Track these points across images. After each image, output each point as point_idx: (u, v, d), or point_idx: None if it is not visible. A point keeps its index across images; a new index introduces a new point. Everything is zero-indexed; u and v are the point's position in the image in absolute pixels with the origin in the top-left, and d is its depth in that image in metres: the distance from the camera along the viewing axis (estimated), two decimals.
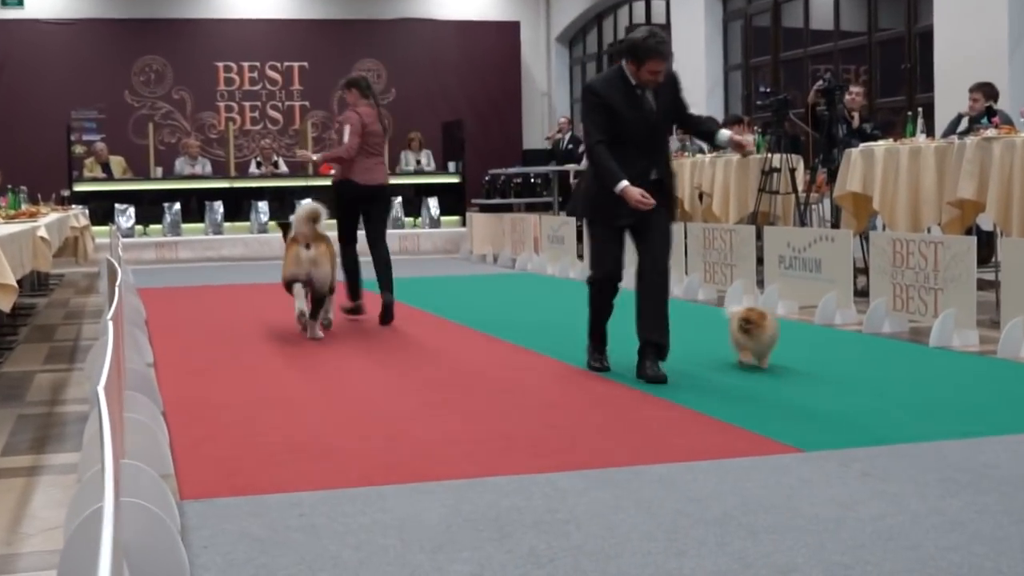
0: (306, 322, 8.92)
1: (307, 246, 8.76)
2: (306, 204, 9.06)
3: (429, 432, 5.48)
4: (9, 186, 13.16)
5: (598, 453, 4.99)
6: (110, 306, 4.76)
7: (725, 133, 7.15)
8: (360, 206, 9.89)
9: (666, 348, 6.86)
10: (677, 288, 11.46)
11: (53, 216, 10.67)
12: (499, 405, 6.15)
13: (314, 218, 8.74)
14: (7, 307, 6.01)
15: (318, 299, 8.89)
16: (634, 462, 4.81)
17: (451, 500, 4.29)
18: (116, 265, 6.47)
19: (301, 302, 8.87)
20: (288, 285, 8.90)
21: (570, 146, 18.91)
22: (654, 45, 6.65)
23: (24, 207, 12.76)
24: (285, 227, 9.62)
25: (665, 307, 6.89)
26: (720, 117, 16.84)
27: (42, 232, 7.76)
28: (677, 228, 11.66)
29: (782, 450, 4.99)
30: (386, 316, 9.70)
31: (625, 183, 6.61)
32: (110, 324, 3.66)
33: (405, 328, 9.64)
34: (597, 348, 7.33)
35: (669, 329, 6.87)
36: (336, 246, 9.41)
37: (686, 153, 14.79)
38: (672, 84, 6.98)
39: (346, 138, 9.69)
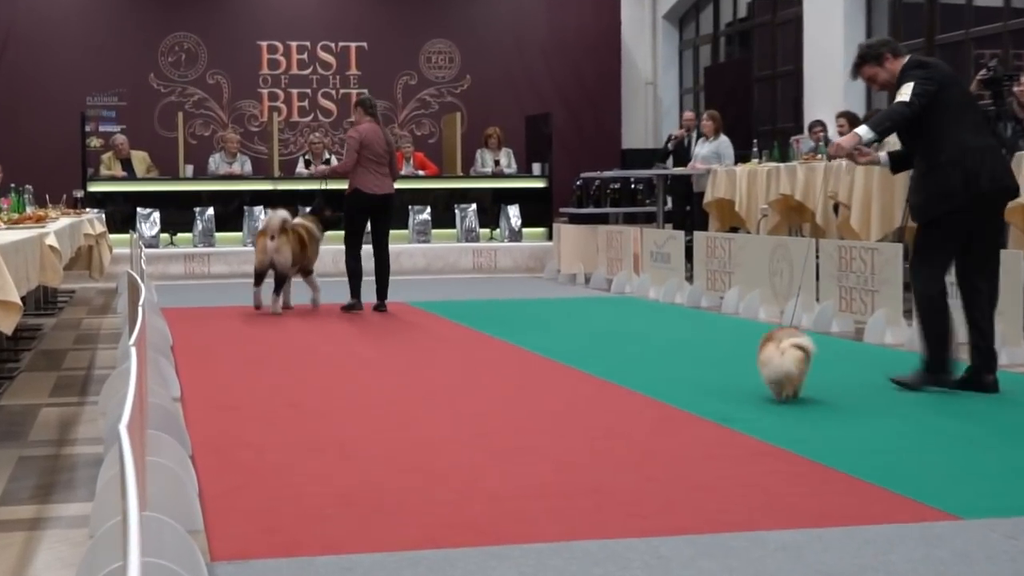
0: (261, 304, 13.03)
1: (272, 238, 13.03)
2: (275, 215, 13.30)
3: (506, 485, 5.48)
4: (12, 185, 13.35)
5: (707, 515, 4.97)
6: (132, 329, 4.83)
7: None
8: (367, 214, 13.34)
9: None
10: (807, 318, 11.42)
11: (64, 221, 10.83)
12: (589, 454, 6.14)
13: (282, 226, 13.06)
14: (8, 329, 6.11)
15: (278, 279, 13.06)
16: (751, 527, 4.78)
17: (531, 568, 4.29)
18: (138, 280, 6.55)
19: (258, 299, 13.07)
20: (257, 274, 13.28)
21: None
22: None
23: (30, 210, 12.96)
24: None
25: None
26: (860, 111, 16.74)
27: (51, 240, 7.88)
28: (805, 246, 11.64)
29: (933, 516, 4.94)
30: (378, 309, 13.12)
31: None
32: (132, 351, 3.71)
33: (479, 360, 9.68)
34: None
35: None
36: (307, 233, 13.33)
37: (819, 156, 14.71)
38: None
39: (345, 155, 13.56)
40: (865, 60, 8.18)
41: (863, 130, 7.95)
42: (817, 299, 11.55)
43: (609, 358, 9.62)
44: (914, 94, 7.71)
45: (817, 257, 11.65)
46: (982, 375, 7.88)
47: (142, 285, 6.47)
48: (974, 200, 7.75)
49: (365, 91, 14.45)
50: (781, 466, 5.85)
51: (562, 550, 4.48)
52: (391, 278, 13.52)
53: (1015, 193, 8.11)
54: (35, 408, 7.71)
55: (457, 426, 6.98)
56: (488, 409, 7.52)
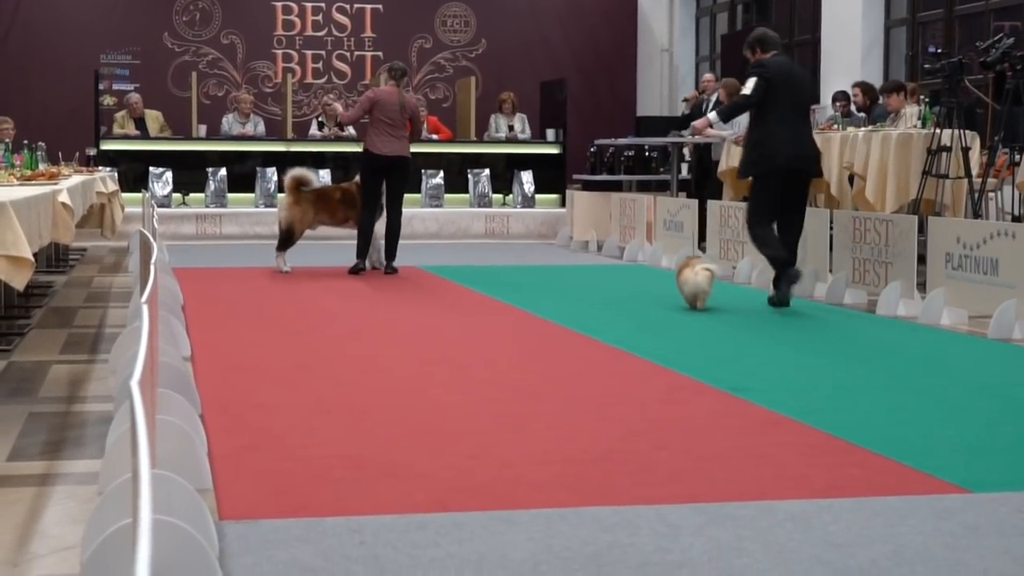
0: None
1: (286, 197, 13.61)
2: (293, 172, 13.63)
3: (516, 450, 5.49)
4: (25, 142, 13.37)
5: (717, 483, 4.98)
6: (143, 287, 4.83)
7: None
8: (379, 175, 13.38)
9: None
10: (819, 289, 11.41)
11: (76, 179, 10.84)
12: (599, 421, 6.15)
13: (299, 183, 13.47)
14: (20, 285, 6.12)
15: (281, 236, 13.51)
16: (761, 496, 4.78)
17: (540, 533, 4.29)
18: (150, 239, 6.56)
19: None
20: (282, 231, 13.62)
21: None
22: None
23: (42, 167, 12.98)
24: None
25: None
26: (877, 82, 16.67)
27: (63, 197, 7.88)
28: (821, 217, 11.63)
29: (944, 489, 4.94)
30: (387, 271, 13.39)
31: None
32: (144, 308, 3.72)
33: (490, 325, 9.70)
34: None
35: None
36: (340, 195, 13.70)
37: (835, 126, 14.68)
38: None
39: (353, 107, 14.13)
40: (747, 46, 10.98)
41: (713, 116, 10.92)
42: (830, 270, 11.54)
43: (620, 325, 9.63)
44: (753, 89, 10.41)
45: (831, 228, 11.64)
46: (787, 270, 10.36)
47: (154, 244, 6.47)
48: (775, 171, 10.40)
49: (399, 62, 14.27)
50: (791, 437, 5.85)
51: (570, 516, 4.49)
52: (401, 242, 13.60)
53: (811, 171, 10.73)
54: (45, 365, 7.73)
55: (467, 390, 6.99)
56: (498, 374, 7.53)
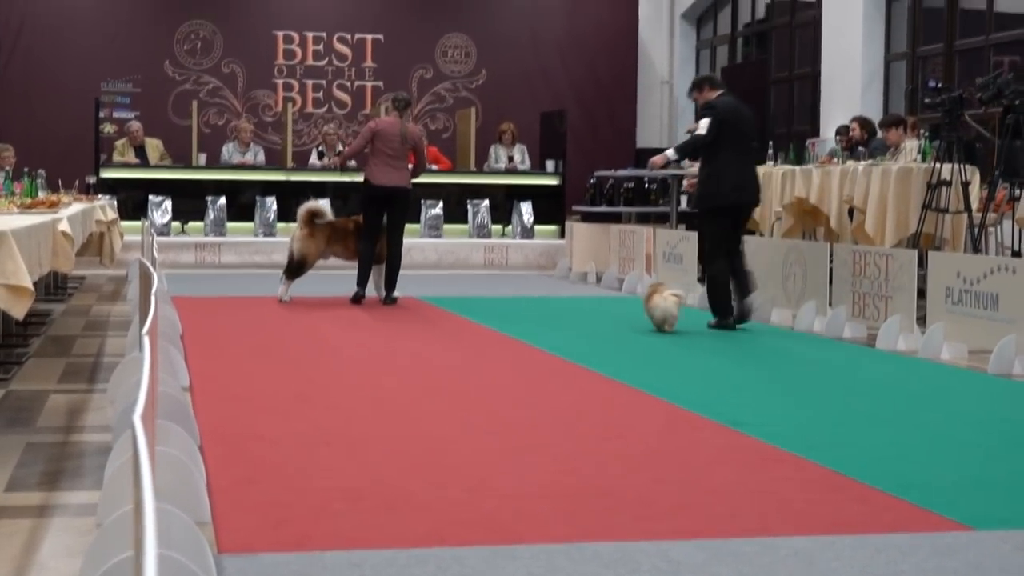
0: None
1: (300, 229, 13.46)
2: (307, 204, 13.70)
3: (515, 483, 5.47)
4: (26, 170, 13.36)
5: (718, 519, 4.96)
6: (143, 318, 4.82)
7: None
8: (378, 206, 13.36)
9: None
10: (818, 323, 11.40)
11: (76, 207, 10.84)
12: (599, 454, 6.13)
13: (313, 215, 13.46)
14: (20, 314, 6.10)
15: (289, 266, 13.47)
16: (763, 532, 4.77)
17: (541, 569, 4.28)
18: (151, 268, 6.55)
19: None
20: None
21: None
22: None
23: (42, 195, 12.98)
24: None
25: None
26: (876, 117, 16.70)
27: (64, 226, 7.88)
28: (821, 250, 11.63)
29: (946, 526, 4.92)
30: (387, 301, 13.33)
31: None
32: (146, 339, 3.70)
33: (489, 356, 9.69)
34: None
35: None
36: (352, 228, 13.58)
37: (835, 160, 14.70)
38: None
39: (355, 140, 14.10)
40: (694, 88, 11.88)
41: (671, 152, 11.78)
42: (830, 304, 11.53)
43: (619, 358, 9.61)
44: (708, 129, 11.31)
45: (831, 262, 11.64)
46: (740, 302, 11.41)
47: (154, 273, 6.46)
48: (729, 205, 11.38)
49: (403, 93, 14.63)
50: (792, 472, 5.83)
51: (572, 551, 4.47)
52: (400, 272, 13.56)
53: (757, 202, 11.82)
54: (43, 394, 7.71)
55: (466, 423, 6.97)
56: (497, 406, 7.52)
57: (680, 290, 11.53)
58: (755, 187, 11.65)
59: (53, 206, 9.08)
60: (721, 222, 11.48)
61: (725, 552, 4.50)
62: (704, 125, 11.37)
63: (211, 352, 9.55)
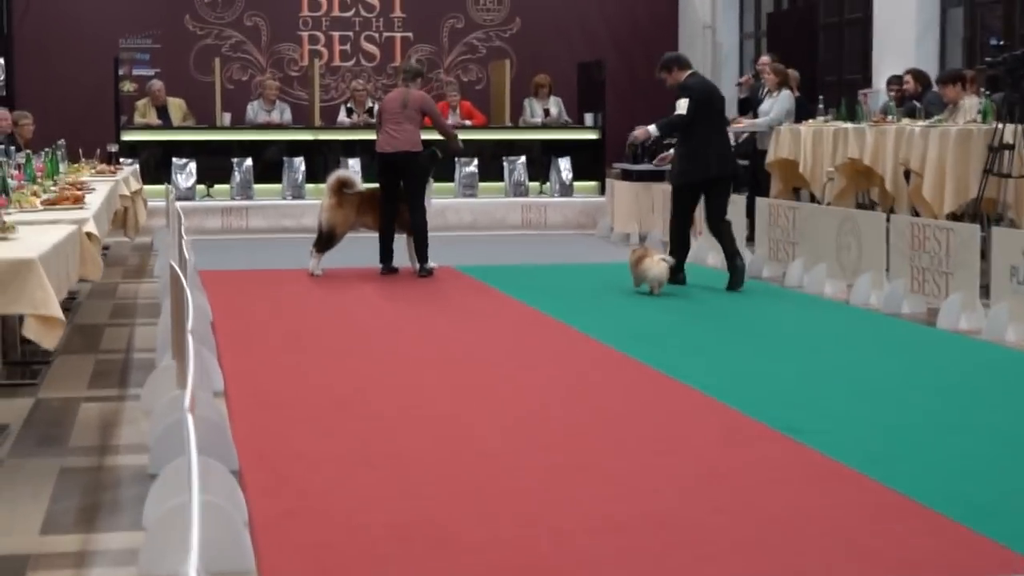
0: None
1: (328, 199, 13.64)
2: (336, 173, 13.98)
3: (568, 516, 5.45)
4: (45, 150, 13.25)
5: (782, 557, 4.93)
6: (182, 372, 4.78)
7: None
8: (387, 174, 13.66)
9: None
10: (875, 297, 11.32)
11: (100, 192, 10.82)
12: (654, 474, 6.11)
13: (343, 184, 13.64)
14: (51, 344, 6.10)
15: (319, 238, 13.62)
16: (829, 574, 4.73)
17: None
18: (182, 278, 6.42)
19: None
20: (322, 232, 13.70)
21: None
22: None
23: (63, 173, 12.97)
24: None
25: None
26: (932, 72, 16.52)
27: (90, 227, 7.87)
28: (877, 220, 11.54)
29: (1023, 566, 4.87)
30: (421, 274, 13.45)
31: None
32: (188, 418, 3.65)
33: (532, 347, 9.63)
34: None
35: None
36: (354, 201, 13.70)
37: (889, 118, 14.55)
38: None
39: None
40: (663, 68, 13.05)
41: (653, 128, 12.95)
42: (887, 278, 11.44)
43: (666, 343, 9.66)
44: (688, 109, 12.47)
45: (887, 233, 11.55)
46: (731, 263, 12.46)
47: (184, 284, 6.34)
48: (707, 180, 12.61)
49: (413, 63, 15.42)
50: (854, 494, 5.76)
51: None
52: (435, 234, 13.80)
53: (736, 173, 13.23)
54: (74, 403, 7.71)
55: (511, 433, 6.97)
56: (541, 412, 7.48)
57: (667, 255, 12.48)
58: (731, 160, 13.14)
59: (78, 201, 9.05)
60: (693, 199, 12.93)
61: None
62: (683, 105, 12.53)
63: (243, 344, 9.57)
